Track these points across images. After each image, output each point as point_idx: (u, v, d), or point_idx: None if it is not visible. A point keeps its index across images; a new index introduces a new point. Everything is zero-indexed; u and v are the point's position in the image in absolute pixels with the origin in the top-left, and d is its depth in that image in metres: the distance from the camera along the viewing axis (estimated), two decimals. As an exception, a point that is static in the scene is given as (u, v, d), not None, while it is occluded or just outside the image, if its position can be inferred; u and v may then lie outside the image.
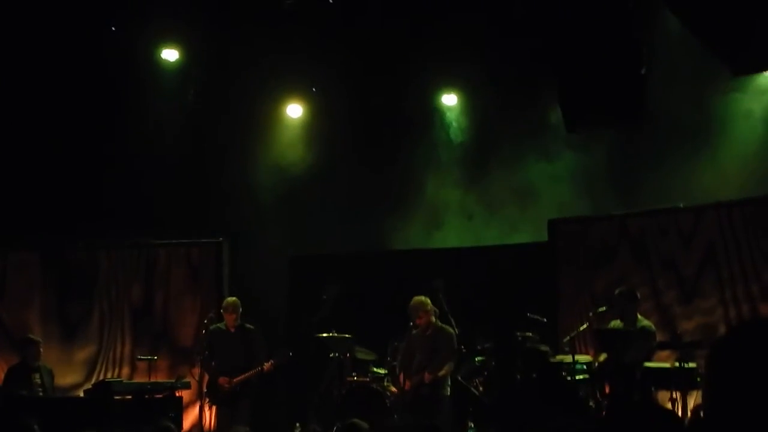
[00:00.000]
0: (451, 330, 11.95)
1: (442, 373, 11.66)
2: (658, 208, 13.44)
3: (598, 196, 13.95)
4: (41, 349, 13.29)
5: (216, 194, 15.02)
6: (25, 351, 13.30)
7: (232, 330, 12.56)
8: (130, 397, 12.51)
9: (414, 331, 12.08)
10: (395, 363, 12.90)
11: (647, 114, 12.94)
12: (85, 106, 14.43)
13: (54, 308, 15.01)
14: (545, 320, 12.59)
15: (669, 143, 13.45)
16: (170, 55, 14.94)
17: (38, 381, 13.00)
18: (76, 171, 14.46)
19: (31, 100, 14.17)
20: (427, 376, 11.70)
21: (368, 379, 13.17)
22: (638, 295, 11.83)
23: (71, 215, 14.47)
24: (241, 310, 12.58)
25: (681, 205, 13.18)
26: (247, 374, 12.33)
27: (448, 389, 11.85)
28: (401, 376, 12.03)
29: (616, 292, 11.84)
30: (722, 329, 12.25)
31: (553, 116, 13.66)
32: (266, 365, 12.28)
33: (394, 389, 12.82)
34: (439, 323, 12.01)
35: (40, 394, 12.82)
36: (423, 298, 12.03)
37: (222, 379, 12.38)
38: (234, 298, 12.78)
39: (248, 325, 12.59)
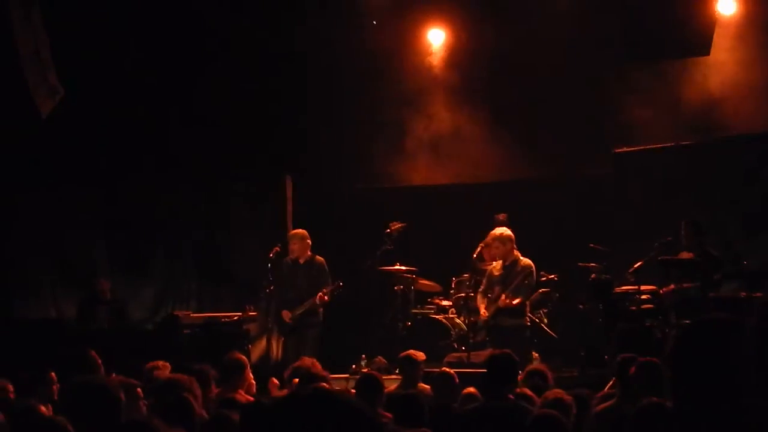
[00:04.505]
0: (529, 262, 11.87)
1: (516, 301, 11.62)
2: (724, 137, 13.26)
3: (664, 127, 13.79)
4: (109, 285, 13.54)
5: (279, 129, 15.04)
6: (94, 286, 13.55)
7: (301, 262, 12.57)
8: (198, 330, 12.72)
9: (494, 263, 12.08)
10: (459, 296, 12.97)
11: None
12: (145, 43, 14.45)
13: (121, 245, 15.20)
14: (608, 250, 12.53)
15: (734, 72, 13.26)
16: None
17: (106, 315, 13.22)
18: (138, 108, 14.53)
19: (94, 38, 14.23)
20: (501, 299, 11.69)
21: (432, 312, 13.25)
22: (702, 226, 11.73)
23: (135, 152, 14.58)
24: (309, 241, 12.57)
25: (748, 134, 13.01)
26: (304, 305, 12.35)
27: (527, 319, 11.85)
28: (482, 305, 11.99)
29: (682, 223, 11.74)
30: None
31: (618, 45, 13.51)
32: (319, 295, 12.30)
33: (458, 321, 12.89)
34: (519, 255, 11.97)
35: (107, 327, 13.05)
36: (503, 229, 11.99)
37: (284, 313, 12.46)
38: (299, 230, 12.79)
39: (317, 257, 12.59)
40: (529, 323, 11.87)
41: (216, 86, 14.62)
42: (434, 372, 8.78)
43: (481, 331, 12.00)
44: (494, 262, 12.07)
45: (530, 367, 8.34)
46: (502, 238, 11.90)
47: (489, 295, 11.89)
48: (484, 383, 7.32)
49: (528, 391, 7.32)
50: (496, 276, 11.92)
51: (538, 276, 12.61)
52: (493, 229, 12.46)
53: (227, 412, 6.04)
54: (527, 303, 11.81)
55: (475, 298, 12.29)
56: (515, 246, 11.93)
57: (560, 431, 5.56)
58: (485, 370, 7.10)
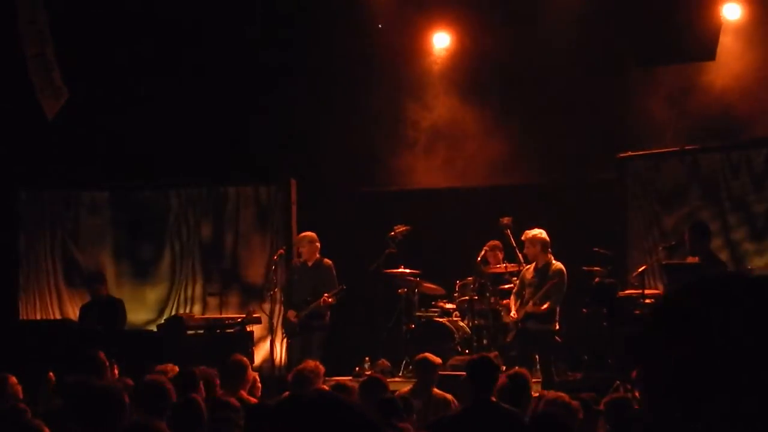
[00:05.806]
0: (561, 266, 11.81)
1: (544, 307, 11.60)
2: (729, 144, 13.24)
3: (670, 132, 13.77)
4: (104, 286, 13.56)
5: (284, 133, 15.04)
6: (92, 289, 13.59)
7: (310, 265, 12.59)
8: (202, 332, 12.72)
9: (527, 265, 12.07)
10: (463, 299, 12.98)
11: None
12: (151, 45, 14.47)
13: (126, 247, 15.23)
14: (612, 254, 12.51)
15: (740, 77, 13.24)
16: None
17: (96, 316, 13.21)
18: (145, 111, 14.56)
19: (99, 40, 14.26)
20: (530, 306, 11.68)
21: (436, 315, 13.24)
22: (710, 229, 11.70)
23: (142, 155, 14.61)
24: (318, 244, 12.61)
25: (754, 138, 12.99)
26: (308, 308, 12.36)
27: (557, 324, 11.81)
28: (515, 307, 11.99)
29: (687, 227, 11.72)
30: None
31: (624, 50, 13.49)
32: (323, 298, 12.31)
33: (462, 324, 12.89)
34: (553, 259, 11.92)
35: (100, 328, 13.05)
36: (536, 231, 11.93)
37: (290, 313, 12.49)
38: (308, 233, 12.83)
39: (326, 260, 12.61)
40: (557, 328, 11.82)
41: (220, 89, 14.62)
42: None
43: (510, 332, 11.99)
44: (527, 265, 12.07)
45: (510, 371, 8.15)
46: (533, 240, 11.85)
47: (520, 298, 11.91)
48: (464, 387, 7.35)
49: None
50: (528, 279, 11.89)
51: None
52: (498, 232, 12.44)
53: (228, 413, 6.05)
54: (557, 308, 11.76)
55: (479, 300, 12.29)
56: (549, 249, 11.89)
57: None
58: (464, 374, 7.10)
